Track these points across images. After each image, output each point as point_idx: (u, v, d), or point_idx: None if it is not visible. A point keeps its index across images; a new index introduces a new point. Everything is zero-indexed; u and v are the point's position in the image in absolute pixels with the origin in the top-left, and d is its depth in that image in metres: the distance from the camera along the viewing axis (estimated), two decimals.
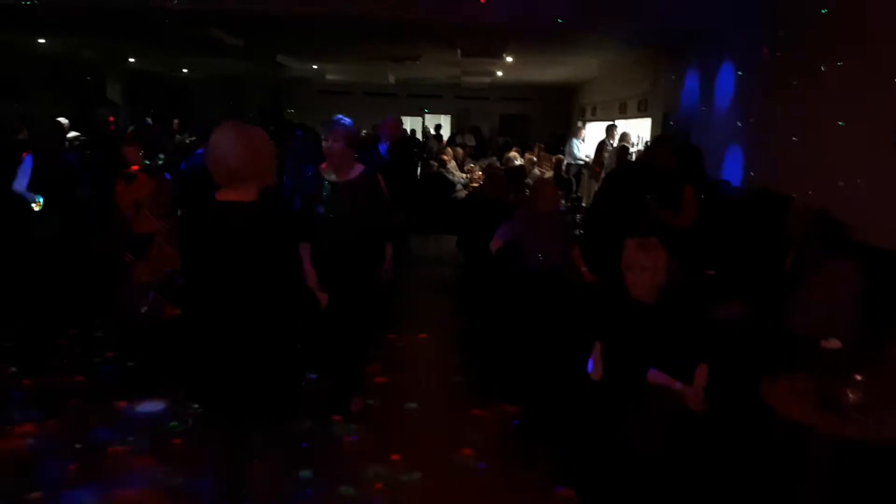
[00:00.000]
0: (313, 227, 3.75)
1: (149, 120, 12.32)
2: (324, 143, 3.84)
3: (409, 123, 16.49)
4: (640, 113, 10.92)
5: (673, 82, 8.96)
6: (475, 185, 9.71)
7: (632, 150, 9.53)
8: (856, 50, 4.63)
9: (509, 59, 11.55)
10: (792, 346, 3.29)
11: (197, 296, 2.45)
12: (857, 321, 3.33)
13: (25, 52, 12.72)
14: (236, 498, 2.58)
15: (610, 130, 10.60)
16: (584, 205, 8.88)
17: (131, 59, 14.47)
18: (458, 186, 10.35)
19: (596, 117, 14.16)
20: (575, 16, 7.35)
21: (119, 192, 4.08)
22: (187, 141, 9.90)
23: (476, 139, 16.26)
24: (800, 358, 3.10)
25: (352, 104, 16.74)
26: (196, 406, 3.42)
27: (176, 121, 12.95)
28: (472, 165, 12.01)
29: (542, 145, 13.01)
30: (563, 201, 7.53)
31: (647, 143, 10.07)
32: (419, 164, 9.65)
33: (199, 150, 6.15)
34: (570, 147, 11.90)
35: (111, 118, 5.83)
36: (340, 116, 3.90)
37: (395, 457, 3.65)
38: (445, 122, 19.26)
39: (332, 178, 3.88)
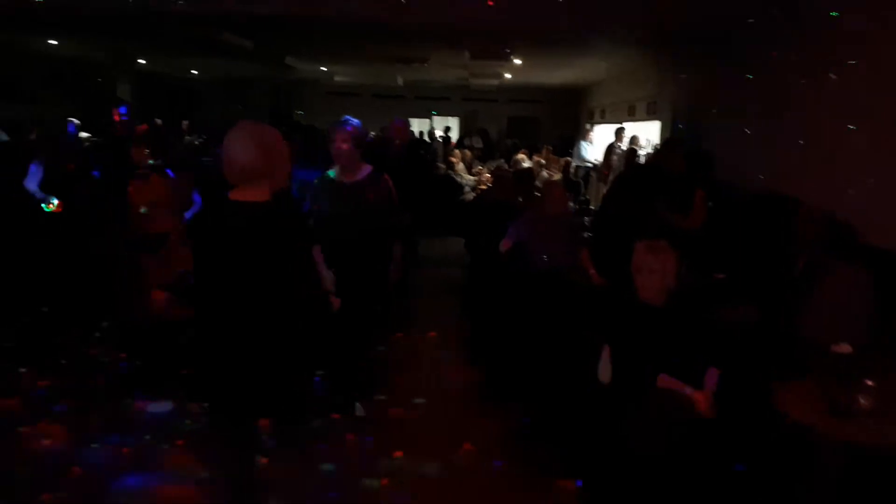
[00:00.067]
0: (322, 227, 3.75)
1: (158, 121, 12.36)
2: (331, 144, 3.84)
3: (417, 125, 16.49)
4: (649, 116, 10.89)
5: (682, 85, 8.93)
6: (483, 187, 9.69)
7: (640, 152, 9.50)
8: (865, 52, 4.60)
9: (517, 61, 11.54)
10: (802, 350, 3.26)
11: (207, 295, 2.45)
12: (868, 325, 3.30)
13: (36, 53, 12.81)
14: (248, 496, 2.59)
15: (619, 133, 10.58)
16: (592, 207, 8.86)
17: (141, 61, 14.54)
18: (466, 189, 10.34)
19: (605, 120, 14.13)
20: (582, 18, 7.34)
21: (133, 191, 4.11)
22: (196, 142, 9.94)
23: (484, 141, 16.26)
24: (810, 362, 3.08)
25: (360, 106, 16.76)
26: (205, 405, 3.41)
27: (185, 122, 13.01)
28: (480, 168, 12.00)
29: (551, 147, 13.00)
30: (571, 204, 7.52)
31: (655, 146, 10.04)
32: (430, 166, 9.64)
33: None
34: (579, 149, 11.88)
35: (116, 118, 5.86)
36: (348, 117, 3.90)
37: (397, 453, 3.66)
38: (453, 123, 19.26)
39: (340, 178, 3.88)
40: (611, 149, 10.39)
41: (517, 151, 12.30)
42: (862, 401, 2.59)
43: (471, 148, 14.41)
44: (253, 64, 13.63)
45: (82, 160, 6.28)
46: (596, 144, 11.91)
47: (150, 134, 5.12)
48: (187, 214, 4.74)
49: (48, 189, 5.55)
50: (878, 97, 4.42)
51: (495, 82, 15.19)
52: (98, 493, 3.25)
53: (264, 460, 2.79)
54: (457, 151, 12.55)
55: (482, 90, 17.37)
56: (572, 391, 3.67)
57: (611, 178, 9.42)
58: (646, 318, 2.98)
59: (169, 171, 4.73)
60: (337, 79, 17.04)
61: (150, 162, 4.71)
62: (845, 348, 3.17)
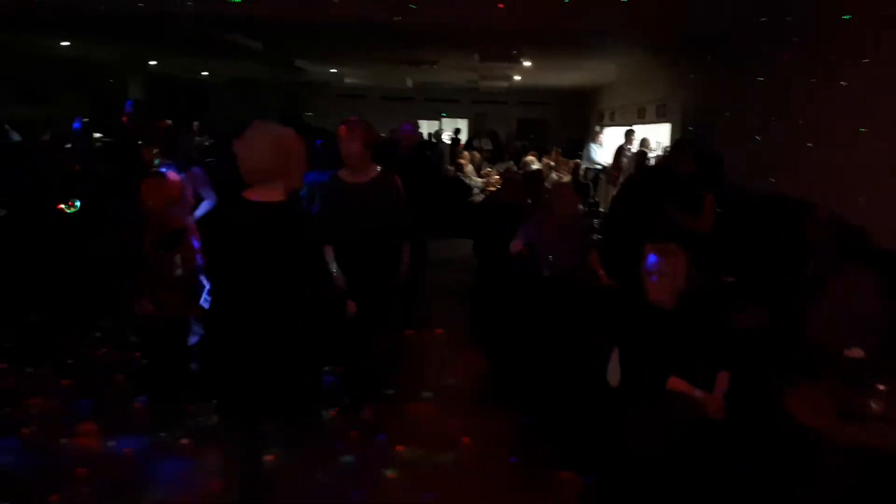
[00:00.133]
0: (331, 228, 3.76)
1: (168, 121, 12.43)
2: (341, 145, 3.85)
3: (427, 127, 16.51)
4: (659, 118, 10.86)
5: (692, 87, 8.90)
6: (492, 189, 9.69)
7: (650, 155, 9.47)
8: (877, 55, 4.58)
9: (527, 63, 11.53)
10: (813, 354, 3.24)
11: (220, 293, 2.46)
12: (880, 329, 3.27)
13: (48, 55, 12.91)
14: (255, 495, 2.59)
15: (629, 135, 10.55)
16: (601, 210, 8.84)
17: (152, 62, 14.63)
18: (475, 190, 10.34)
19: (614, 122, 14.09)
20: (591, 20, 7.33)
21: (149, 189, 4.15)
22: (206, 143, 9.99)
23: (493, 143, 16.26)
24: (821, 366, 3.06)
25: (369, 108, 16.79)
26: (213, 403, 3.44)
27: (196, 123, 13.06)
28: (489, 170, 11.99)
29: (560, 150, 12.98)
30: (580, 206, 7.49)
31: (665, 148, 10.00)
32: (437, 167, 9.63)
33: None
34: (588, 151, 11.86)
35: (125, 119, 5.92)
36: (357, 118, 3.91)
37: (400, 448, 3.72)
38: (462, 125, 19.27)
39: (350, 179, 3.89)
40: (620, 151, 10.37)
41: (526, 153, 12.29)
42: (873, 405, 2.57)
43: (480, 150, 14.41)
44: (263, 66, 13.69)
45: (87, 160, 6.32)
46: (606, 147, 11.89)
47: (161, 134, 5.13)
48: (197, 212, 4.78)
49: (65, 189, 5.61)
50: (889, 99, 4.40)
51: (505, 84, 15.19)
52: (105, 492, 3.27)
53: (270, 457, 2.80)
54: (466, 153, 12.55)
55: (491, 92, 17.37)
56: (580, 393, 3.67)
57: (620, 180, 9.40)
58: (656, 321, 2.97)
59: (175, 170, 4.77)
60: (346, 81, 17.08)
61: (157, 161, 4.75)
62: (856, 352, 3.14)
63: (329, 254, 3.55)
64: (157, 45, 12.08)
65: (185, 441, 3.72)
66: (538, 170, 9.88)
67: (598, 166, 11.49)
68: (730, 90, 7.43)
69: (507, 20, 7.39)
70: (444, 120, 19.18)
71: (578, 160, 11.89)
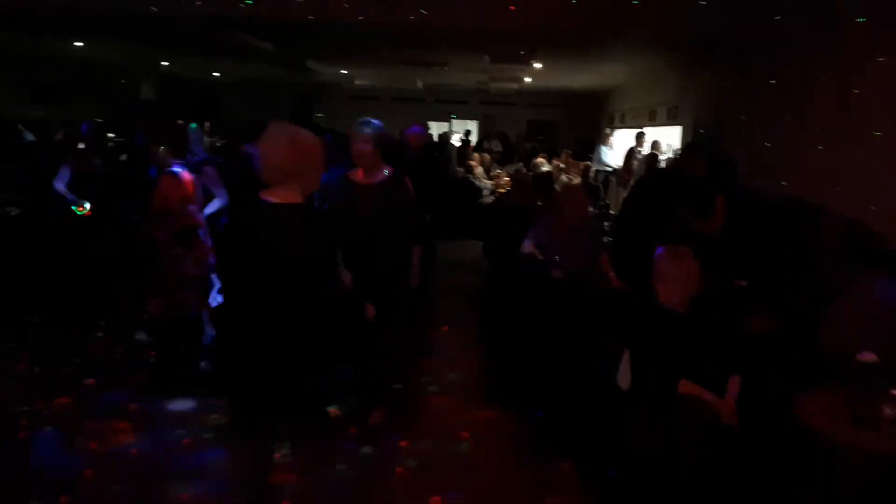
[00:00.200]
0: (341, 228, 3.76)
1: (179, 122, 12.51)
2: (353, 146, 3.85)
3: (437, 129, 16.52)
4: (670, 120, 10.82)
5: (703, 90, 8.87)
6: (501, 191, 9.68)
7: (661, 157, 9.44)
8: (890, 56, 4.54)
9: (538, 65, 11.52)
10: (825, 359, 3.21)
11: (233, 292, 2.47)
12: (894, 334, 3.24)
13: (61, 55, 13.01)
14: (267, 490, 2.61)
15: (639, 138, 10.52)
16: (611, 212, 8.82)
17: (164, 63, 14.72)
18: (485, 192, 10.33)
19: (625, 124, 14.06)
20: (603, 22, 7.31)
21: (167, 188, 4.20)
22: (217, 144, 10.03)
23: (503, 145, 16.23)
24: (833, 371, 3.03)
25: (379, 109, 16.80)
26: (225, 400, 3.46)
27: (207, 124, 13.12)
28: (499, 171, 11.98)
29: (570, 152, 12.96)
30: (590, 208, 7.47)
31: (676, 151, 9.97)
32: (444, 168, 9.63)
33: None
34: (599, 153, 11.84)
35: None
36: (369, 119, 3.91)
37: (403, 443, 3.78)
38: (472, 127, 19.27)
39: (360, 180, 3.89)
40: (631, 153, 10.34)
41: (536, 155, 12.26)
42: (887, 411, 2.55)
43: (490, 151, 14.40)
44: (274, 67, 13.75)
45: (102, 160, 6.36)
46: (616, 149, 11.86)
47: (171, 134, 5.17)
48: (206, 210, 4.81)
49: (75, 190, 5.65)
50: None
51: (515, 86, 15.18)
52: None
53: (278, 455, 2.81)
54: (476, 155, 12.54)
55: (501, 94, 17.37)
56: (588, 393, 3.68)
57: (631, 182, 9.37)
58: (667, 324, 2.95)
59: (187, 169, 4.80)
60: (357, 82, 17.12)
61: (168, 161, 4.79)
62: (869, 357, 3.11)
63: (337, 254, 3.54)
64: (169, 46, 12.14)
65: (196, 439, 3.74)
66: (548, 172, 9.85)
67: (609, 168, 11.46)
68: (741, 93, 7.39)
69: (519, 22, 7.38)
70: (454, 121, 19.18)
71: (589, 162, 11.86)
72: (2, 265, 5.65)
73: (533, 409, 4.20)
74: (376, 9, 7.20)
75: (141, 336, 5.02)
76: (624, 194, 8.70)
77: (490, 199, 9.67)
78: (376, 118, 4.01)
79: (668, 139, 10.44)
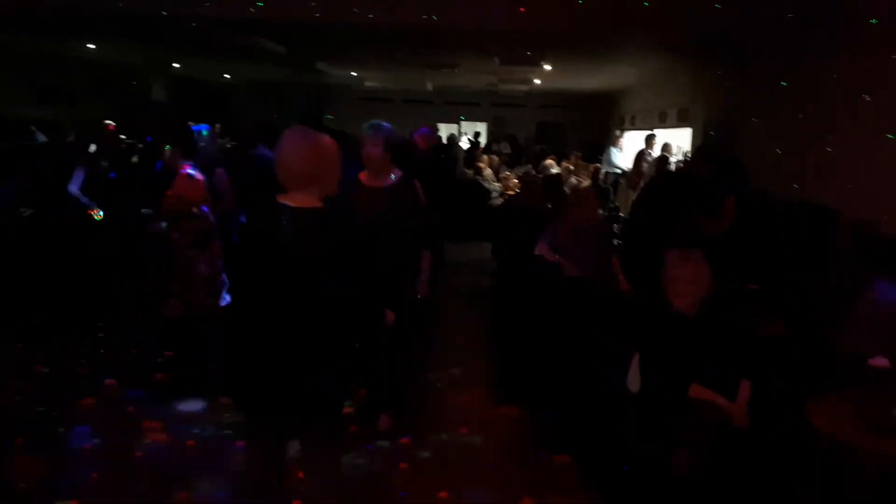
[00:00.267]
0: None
1: (190, 123, 12.58)
2: (363, 149, 3.85)
3: (446, 130, 16.54)
4: (680, 123, 10.78)
5: (714, 92, 8.83)
6: (510, 192, 9.67)
7: (672, 160, 9.40)
8: None
9: (547, 67, 11.51)
10: (838, 363, 3.19)
11: (247, 294, 2.48)
12: None
13: (74, 57, 13.11)
14: (279, 489, 2.62)
15: (649, 140, 10.48)
16: (621, 214, 8.79)
17: (175, 65, 14.81)
18: (494, 194, 10.32)
19: (635, 126, 14.01)
20: (612, 24, 7.30)
21: (185, 189, 4.23)
22: (228, 145, 10.06)
23: (512, 147, 16.21)
24: (846, 376, 3.01)
25: (389, 111, 16.83)
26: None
27: (218, 125, 13.17)
28: (508, 173, 11.97)
29: (579, 154, 12.92)
30: (600, 210, 7.45)
31: (686, 153, 9.93)
32: (451, 170, 9.62)
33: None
34: (609, 155, 11.80)
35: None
36: (380, 122, 3.91)
37: (404, 440, 3.82)
38: (482, 129, 19.27)
39: (370, 183, 3.89)
40: (641, 155, 10.30)
41: (545, 157, 12.24)
42: None
43: (499, 153, 14.38)
44: (285, 69, 13.80)
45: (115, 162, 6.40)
46: (626, 151, 11.82)
47: (182, 136, 5.20)
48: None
49: (87, 192, 5.69)
50: None
51: (524, 88, 15.17)
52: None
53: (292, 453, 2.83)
54: (485, 157, 12.53)
55: (510, 96, 17.36)
56: (591, 395, 3.69)
57: (641, 185, 9.34)
58: (678, 328, 2.94)
59: (198, 170, 4.83)
60: (367, 84, 17.16)
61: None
62: (883, 362, 3.09)
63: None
64: (181, 48, 12.22)
65: (209, 438, 3.77)
66: (557, 174, 9.84)
67: (618, 170, 11.42)
68: (752, 95, 7.36)
69: (528, 24, 7.38)
70: (463, 123, 19.20)
71: (598, 164, 11.83)
72: (11, 266, 5.69)
73: (539, 408, 4.23)
74: (386, 11, 7.22)
75: (153, 336, 5.04)
76: (633, 196, 8.67)
77: (499, 201, 9.66)
78: (386, 120, 4.01)
79: (678, 141, 10.40)
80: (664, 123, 11.67)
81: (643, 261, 3.92)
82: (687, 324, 2.93)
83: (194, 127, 6.97)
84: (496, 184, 11.01)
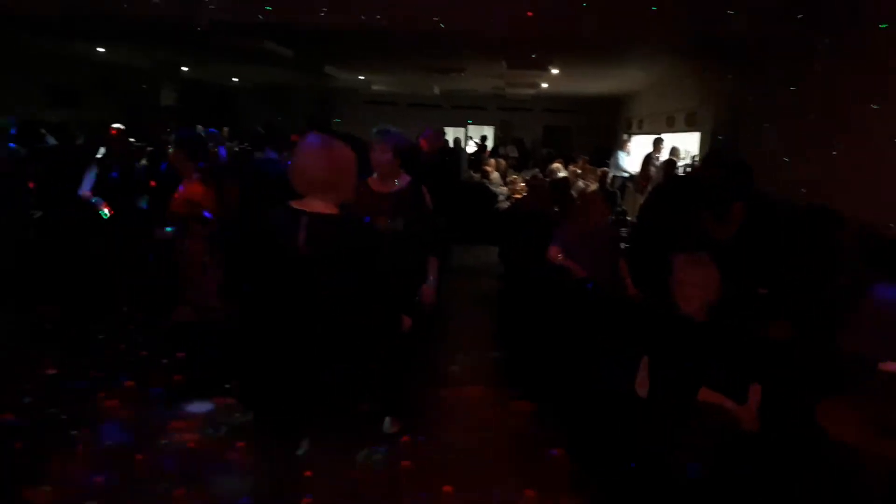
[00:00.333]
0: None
1: (199, 127, 12.66)
2: (372, 153, 3.86)
3: (453, 134, 16.56)
4: (688, 127, 10.76)
5: (722, 96, 8.81)
6: (517, 196, 9.66)
7: (679, 164, 9.39)
8: None
9: (555, 70, 11.51)
10: (847, 367, 3.18)
11: (259, 298, 2.49)
12: None
13: (84, 60, 13.20)
14: (289, 488, 2.63)
15: (657, 144, 10.47)
16: (629, 218, 8.78)
17: (184, 68, 14.88)
18: (501, 198, 10.32)
19: (642, 130, 14.00)
20: (620, 28, 7.31)
21: (190, 192, 4.24)
22: (236, 149, 10.11)
23: (519, 151, 16.21)
24: (855, 380, 3.00)
25: (396, 114, 16.91)
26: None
27: (226, 129, 13.23)
28: (515, 177, 11.97)
29: (587, 157, 12.91)
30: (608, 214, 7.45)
31: (694, 157, 9.91)
32: (455, 173, 9.59)
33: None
34: (616, 159, 11.79)
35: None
36: (389, 127, 3.92)
37: (404, 438, 3.85)
38: (488, 132, 19.29)
39: (378, 188, 3.90)
40: (648, 159, 10.29)
41: (552, 161, 12.23)
42: None
43: (506, 157, 14.38)
44: (293, 72, 13.85)
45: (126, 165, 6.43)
46: (634, 155, 11.81)
47: (190, 140, 5.22)
48: None
49: (95, 193, 5.73)
50: None
51: (532, 91, 15.17)
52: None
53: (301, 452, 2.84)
54: (492, 160, 12.54)
55: (517, 99, 17.37)
56: (595, 395, 3.69)
57: (648, 189, 9.33)
58: (687, 332, 2.94)
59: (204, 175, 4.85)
60: (374, 87, 17.20)
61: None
62: (892, 366, 3.08)
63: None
64: (189, 51, 12.28)
65: (220, 438, 3.79)
66: (565, 177, 9.84)
67: (626, 174, 11.41)
68: (761, 99, 7.34)
69: (536, 28, 7.39)
70: (470, 127, 19.22)
71: (606, 168, 11.82)
72: (21, 266, 5.73)
73: (545, 408, 4.26)
74: (394, 15, 7.24)
75: (158, 338, 5.06)
76: (641, 201, 8.66)
77: (506, 204, 9.66)
78: (393, 124, 4.01)
79: (686, 145, 10.38)
80: (672, 127, 11.65)
81: (651, 265, 3.92)
82: (695, 328, 2.93)
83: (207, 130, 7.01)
84: (503, 187, 11.01)
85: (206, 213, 4.35)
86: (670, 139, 10.77)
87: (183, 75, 15.60)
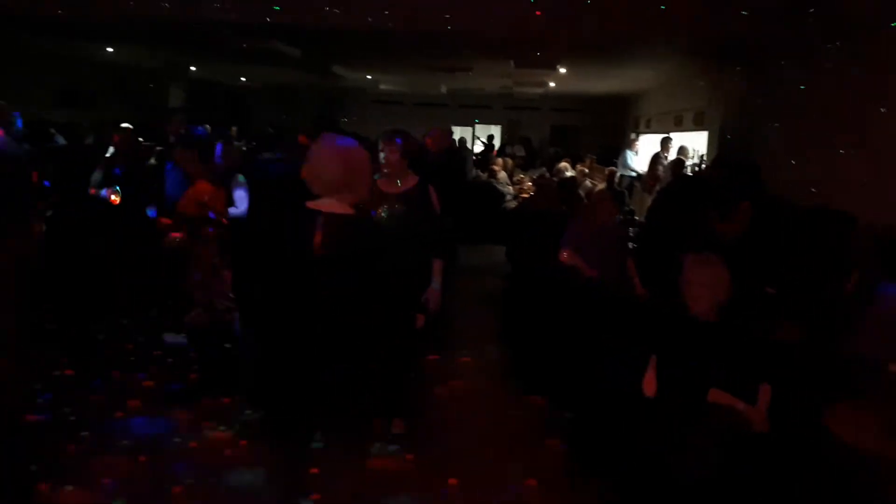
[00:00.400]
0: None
1: (207, 127, 12.71)
2: (381, 154, 3.87)
3: (460, 133, 16.56)
4: (697, 126, 10.72)
5: (731, 96, 8.78)
6: (524, 196, 9.66)
7: (688, 163, 9.36)
8: None
9: (562, 69, 11.49)
10: (856, 369, 3.16)
11: (272, 298, 2.51)
12: None
13: (92, 60, 13.26)
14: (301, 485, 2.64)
15: (665, 143, 10.43)
16: (636, 218, 8.76)
17: (192, 68, 14.93)
18: (508, 197, 10.32)
19: (650, 129, 13.96)
20: (629, 28, 7.29)
21: (199, 193, 4.26)
22: (244, 148, 10.13)
23: (526, 150, 16.19)
24: (864, 382, 2.99)
25: (404, 114, 16.92)
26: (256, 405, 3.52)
27: (234, 128, 13.26)
28: (522, 176, 11.96)
29: (594, 157, 12.88)
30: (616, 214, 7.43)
31: (702, 157, 9.88)
32: (461, 171, 9.58)
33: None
34: (624, 158, 11.76)
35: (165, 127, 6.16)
36: (396, 127, 3.94)
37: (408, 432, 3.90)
38: (496, 132, 19.28)
39: (386, 188, 3.90)
40: (656, 159, 10.26)
41: (560, 160, 12.22)
42: None
43: (513, 156, 14.37)
44: (301, 72, 13.87)
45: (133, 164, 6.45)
46: (642, 154, 11.78)
47: (200, 141, 5.23)
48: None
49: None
50: None
51: (539, 91, 15.15)
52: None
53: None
54: (499, 160, 12.53)
55: (524, 98, 17.34)
56: (599, 395, 3.70)
57: (656, 188, 9.30)
58: (696, 332, 2.93)
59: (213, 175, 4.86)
60: (382, 87, 17.21)
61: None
62: None
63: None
64: (198, 52, 12.32)
65: (232, 435, 3.79)
66: (572, 177, 9.84)
67: (634, 174, 11.38)
68: (770, 99, 7.31)
69: (544, 27, 7.38)
70: (478, 126, 19.21)
71: (613, 167, 11.79)
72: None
73: (551, 404, 4.31)
74: (402, 14, 7.24)
75: (172, 338, 5.08)
76: (649, 200, 8.63)
77: (513, 204, 9.66)
78: (400, 123, 4.03)
79: (694, 145, 10.35)
80: (680, 127, 11.62)
81: (659, 264, 3.91)
82: (704, 328, 2.92)
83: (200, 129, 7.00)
84: (510, 187, 11.01)
85: (211, 214, 4.36)
86: (678, 138, 10.74)
87: (192, 75, 15.65)
